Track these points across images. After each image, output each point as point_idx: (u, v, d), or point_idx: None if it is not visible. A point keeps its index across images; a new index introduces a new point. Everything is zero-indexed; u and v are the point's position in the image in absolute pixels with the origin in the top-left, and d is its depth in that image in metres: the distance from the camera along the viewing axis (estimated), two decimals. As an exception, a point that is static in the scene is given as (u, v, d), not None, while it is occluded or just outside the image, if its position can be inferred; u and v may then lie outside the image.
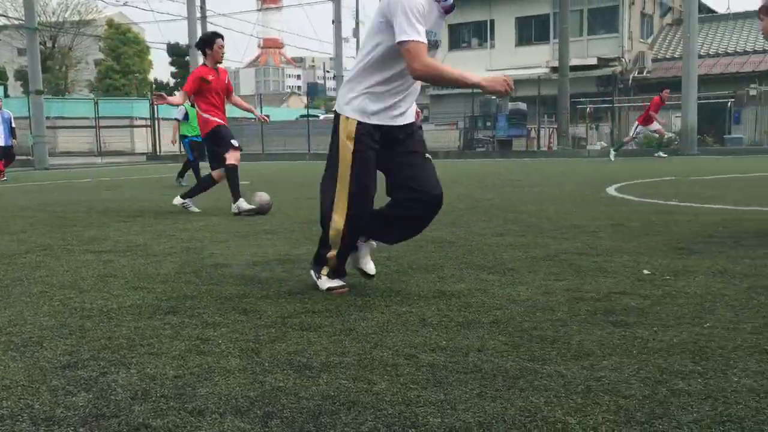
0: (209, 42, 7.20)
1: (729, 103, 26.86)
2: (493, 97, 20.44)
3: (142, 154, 32.00)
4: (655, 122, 18.31)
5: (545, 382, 2.08)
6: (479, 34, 34.03)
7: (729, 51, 30.46)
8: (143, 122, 33.47)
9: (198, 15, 30.47)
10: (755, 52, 29.38)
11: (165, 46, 46.52)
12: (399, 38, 2.98)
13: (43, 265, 4.28)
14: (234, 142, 7.20)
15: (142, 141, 34.19)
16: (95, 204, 8.76)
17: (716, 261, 3.93)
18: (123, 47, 47.89)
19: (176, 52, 45.27)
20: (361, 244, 3.45)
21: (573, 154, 24.59)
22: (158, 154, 30.86)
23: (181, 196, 7.58)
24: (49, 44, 46.01)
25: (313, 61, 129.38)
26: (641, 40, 32.53)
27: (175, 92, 50.35)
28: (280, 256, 4.43)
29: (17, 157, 17.68)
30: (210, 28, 31.85)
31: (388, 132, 3.23)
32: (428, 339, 2.55)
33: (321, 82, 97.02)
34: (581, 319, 2.78)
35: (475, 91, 31.02)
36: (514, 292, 3.27)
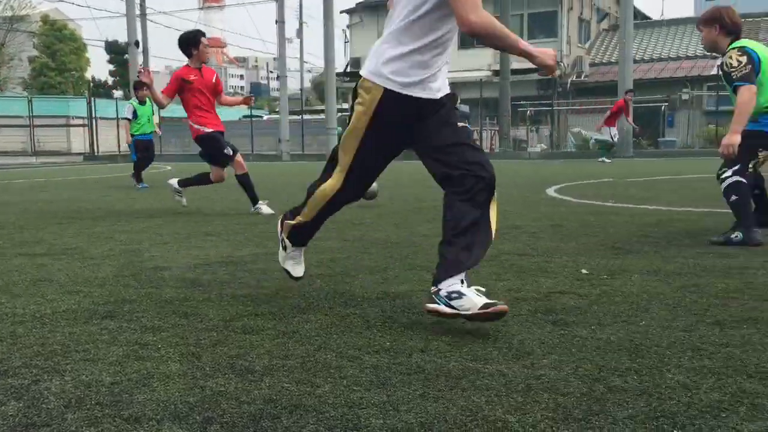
0: (195, 41, 6.87)
1: (663, 107, 27.78)
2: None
3: (79, 154, 31.16)
4: (615, 126, 18.84)
5: (487, 381, 2.11)
6: (423, 36, 34.22)
7: (663, 56, 31.47)
8: (80, 121, 32.58)
9: (137, 12, 29.80)
10: (687, 57, 30.44)
11: (103, 44, 45.36)
12: None
13: (-28, 270, 4.11)
14: (227, 151, 6.94)
15: (79, 141, 33.29)
16: (29, 206, 8.47)
17: (651, 260, 4.05)
18: (59, 44, 46.48)
19: (115, 50, 44.25)
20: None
21: (514, 155, 25.01)
22: (96, 154, 30.07)
23: (179, 182, 7.36)
24: (-21, 40, 44.38)
25: (256, 61, 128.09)
26: (579, 44, 33.32)
27: (114, 91, 48.93)
28: (223, 258, 4.37)
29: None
30: (150, 27, 31.19)
31: (424, 106, 2.76)
32: (372, 340, 2.55)
33: (264, 82, 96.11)
34: (522, 318, 2.83)
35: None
36: (456, 293, 3.29)
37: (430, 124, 2.77)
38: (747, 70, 4.44)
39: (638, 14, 33.61)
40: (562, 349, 2.42)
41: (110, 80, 47.39)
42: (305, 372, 2.21)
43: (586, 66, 31.80)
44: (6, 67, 48.69)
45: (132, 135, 12.00)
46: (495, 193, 2.80)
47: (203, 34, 7.04)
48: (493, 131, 29.06)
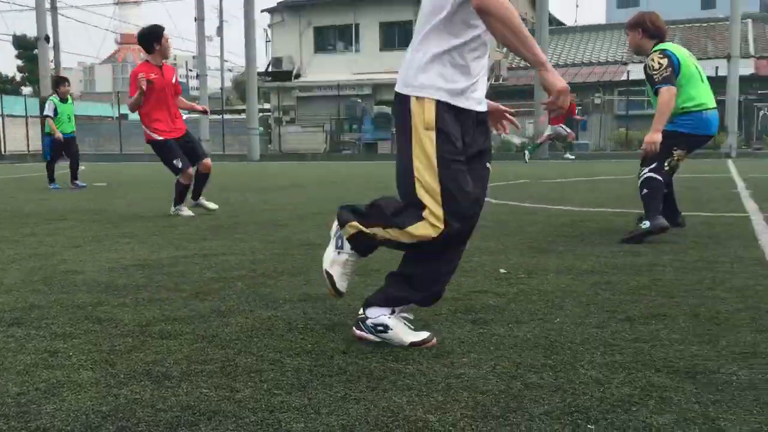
0: (157, 35, 6.50)
1: (576, 111, 28.68)
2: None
3: (-16, 153, 29.62)
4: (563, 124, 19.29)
5: (408, 381, 2.12)
6: (344, 37, 34.29)
7: (576, 62, 32.54)
8: (-16, 119, 31.00)
9: (48, 6, 28.58)
10: (600, 63, 31.60)
11: (11, 38, 43.36)
12: None
13: None
14: (177, 163, 6.53)
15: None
16: (-73, 207, 7.99)
17: (565, 259, 4.17)
18: (-39, 37, 44.11)
19: (23, 45, 42.37)
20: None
21: (436, 157, 25.28)
22: (3, 153, 28.68)
23: (174, 203, 6.87)
24: None
25: (175, 59, 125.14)
26: (497, 49, 34.00)
27: (22, 88, 46.76)
28: (139, 261, 4.24)
29: None
30: (61, 21, 29.99)
31: (470, 121, 2.42)
32: (294, 343, 2.53)
33: (183, 80, 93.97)
34: (443, 318, 2.87)
35: (341, 93, 31.51)
36: (378, 294, 3.30)
37: (467, 142, 2.43)
38: (667, 73, 4.68)
39: (553, 20, 34.63)
40: (481, 347, 2.46)
41: (18, 76, 45.26)
42: (224, 377, 2.17)
43: (504, 70, 32.55)
44: None
45: (48, 134, 11.44)
46: None
47: (164, 28, 6.70)
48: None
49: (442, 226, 2.33)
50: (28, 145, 29.69)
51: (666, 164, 4.87)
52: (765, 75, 27.84)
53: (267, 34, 36.33)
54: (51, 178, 11.36)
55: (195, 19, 29.38)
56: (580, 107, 21.41)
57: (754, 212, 6.44)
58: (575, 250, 4.49)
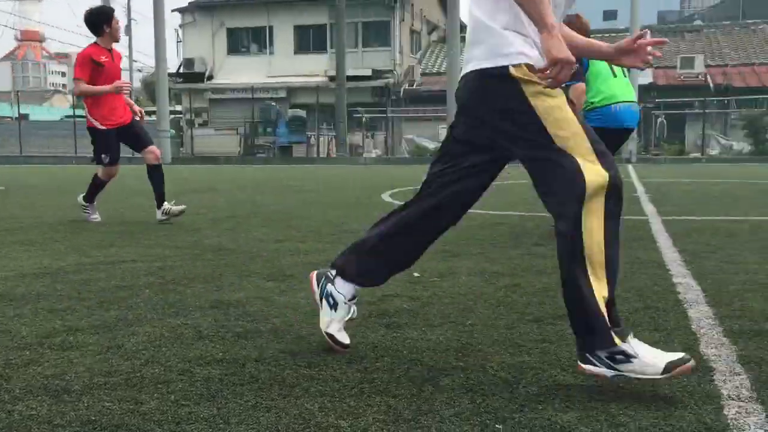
0: (107, 17, 6.15)
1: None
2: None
3: None
4: None
5: (321, 387, 2.11)
6: (258, 39, 33.91)
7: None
8: None
9: (-61, -1, 26.97)
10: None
11: None
12: None
13: None
14: (104, 158, 6.25)
15: None
16: None
17: (477, 262, 4.26)
18: None
19: None
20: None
21: (351, 161, 25.39)
22: None
23: (84, 198, 6.54)
24: None
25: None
26: (411, 55, 34.47)
27: None
28: (40, 269, 4.04)
29: None
30: (-46, 15, 28.29)
31: None
32: (204, 352, 2.47)
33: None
34: (357, 323, 2.86)
35: (255, 96, 31.11)
36: (293, 300, 3.28)
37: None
38: (575, 69, 4.85)
39: (464, 27, 35.33)
40: (394, 351, 2.47)
41: None
42: (129, 389, 2.09)
43: (418, 75, 32.98)
44: None
45: None
46: None
47: (113, 10, 6.38)
48: (330, 137, 29.34)
49: (607, 177, 2.04)
50: None
51: None
52: (662, 84, 29.38)
53: (178, 35, 35.50)
54: None
55: (101, 17, 28.36)
56: None
57: (653, 215, 6.77)
58: (486, 253, 4.58)
